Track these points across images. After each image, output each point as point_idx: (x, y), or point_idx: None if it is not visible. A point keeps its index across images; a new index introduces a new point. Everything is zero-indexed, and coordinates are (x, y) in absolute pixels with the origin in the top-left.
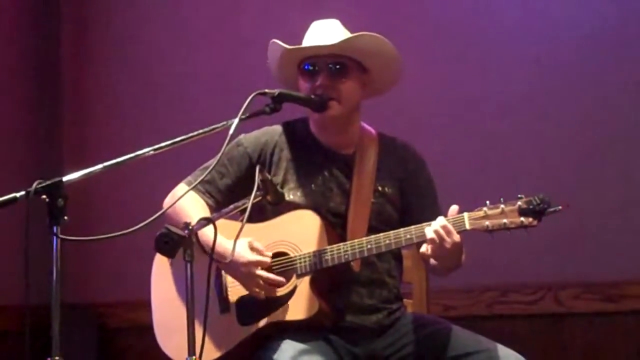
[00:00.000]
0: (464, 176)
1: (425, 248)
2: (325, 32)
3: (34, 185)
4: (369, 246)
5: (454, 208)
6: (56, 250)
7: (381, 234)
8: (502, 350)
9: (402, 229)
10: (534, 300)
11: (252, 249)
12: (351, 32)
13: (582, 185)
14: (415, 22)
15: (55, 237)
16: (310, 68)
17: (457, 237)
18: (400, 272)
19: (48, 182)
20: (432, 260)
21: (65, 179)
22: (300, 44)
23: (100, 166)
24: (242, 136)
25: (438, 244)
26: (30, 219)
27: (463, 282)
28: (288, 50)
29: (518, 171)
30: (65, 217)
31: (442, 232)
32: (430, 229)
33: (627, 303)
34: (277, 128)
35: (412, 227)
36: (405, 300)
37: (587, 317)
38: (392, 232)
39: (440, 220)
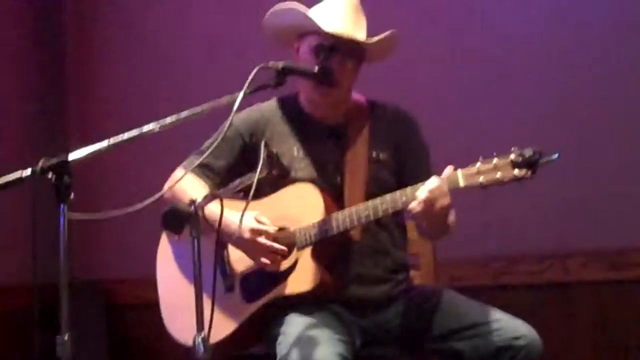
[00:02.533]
0: (460, 140)
1: (415, 205)
2: (346, 15)
3: (40, 163)
4: (366, 213)
5: (450, 168)
6: (63, 228)
7: (378, 199)
8: (511, 320)
9: (397, 192)
10: (540, 269)
11: (258, 221)
12: (364, 11)
13: (585, 153)
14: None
15: (62, 215)
16: (328, 46)
17: (448, 200)
18: (405, 241)
19: (54, 161)
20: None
21: (70, 157)
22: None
23: (105, 143)
24: None
25: (430, 204)
26: (37, 197)
27: (469, 252)
28: (322, 31)
29: (517, 136)
30: (72, 195)
31: (436, 192)
32: (425, 189)
33: (634, 270)
34: (268, 105)
35: (408, 188)
36: (412, 271)
37: (594, 285)
38: (388, 195)
39: (434, 181)
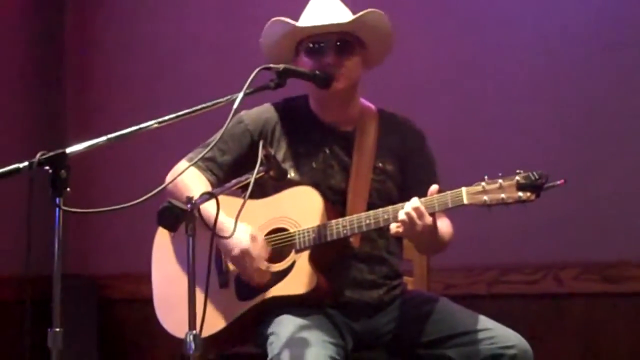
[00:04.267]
0: (465, 153)
1: (395, 226)
2: (327, 10)
3: (37, 156)
4: (367, 221)
5: (434, 188)
6: (58, 221)
7: (380, 210)
8: (502, 329)
9: (400, 204)
10: (534, 280)
11: (253, 237)
12: (349, 8)
13: (582, 166)
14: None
15: (57, 209)
16: (317, 46)
17: (428, 220)
18: (400, 249)
19: (51, 154)
20: None
21: (68, 150)
22: (297, 21)
23: (103, 138)
24: (243, 113)
25: (409, 225)
26: (33, 190)
27: (463, 260)
28: (296, 28)
29: (518, 150)
30: (68, 189)
31: (413, 214)
32: (403, 211)
33: (627, 284)
34: (278, 105)
35: (390, 207)
36: (406, 277)
37: (586, 297)
38: (390, 207)
39: (414, 202)
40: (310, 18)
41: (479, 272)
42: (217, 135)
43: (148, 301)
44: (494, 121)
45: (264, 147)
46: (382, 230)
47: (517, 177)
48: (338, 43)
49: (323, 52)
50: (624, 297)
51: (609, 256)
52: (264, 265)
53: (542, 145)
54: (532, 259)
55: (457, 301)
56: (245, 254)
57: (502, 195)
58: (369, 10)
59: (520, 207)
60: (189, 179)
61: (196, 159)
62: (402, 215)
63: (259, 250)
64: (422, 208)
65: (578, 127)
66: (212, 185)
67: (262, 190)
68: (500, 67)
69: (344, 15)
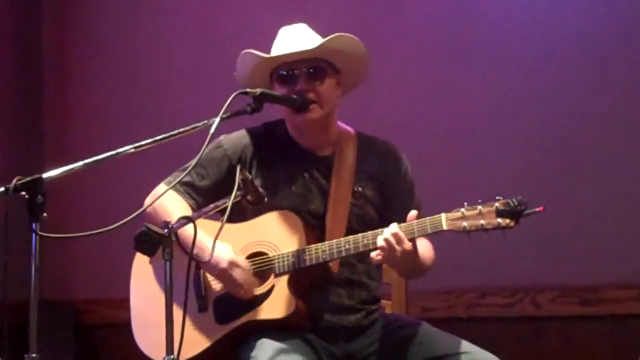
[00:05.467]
0: (444, 177)
1: (375, 254)
2: (297, 38)
3: (14, 181)
4: (346, 246)
5: (413, 214)
6: (35, 247)
7: (359, 235)
8: (480, 352)
9: (379, 230)
10: (511, 303)
11: (235, 260)
12: (320, 34)
13: (560, 189)
14: (398, 22)
15: (34, 234)
16: (289, 73)
17: (407, 245)
18: (380, 273)
19: (27, 179)
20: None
21: (45, 175)
22: (271, 48)
23: (80, 163)
24: (222, 137)
25: (388, 251)
26: (9, 215)
27: (442, 284)
28: (264, 59)
29: (496, 174)
30: (45, 214)
31: (392, 240)
32: (381, 237)
33: (604, 306)
34: (258, 129)
35: (369, 232)
36: (383, 301)
37: (564, 320)
38: (370, 232)
39: (392, 228)
40: (280, 47)
41: (457, 295)
42: (195, 159)
43: (126, 326)
44: (473, 146)
45: (241, 171)
46: (362, 255)
47: (497, 204)
48: (311, 70)
49: (294, 79)
50: (602, 319)
51: (587, 279)
52: (251, 278)
53: (520, 169)
54: (510, 281)
55: (435, 324)
56: (231, 264)
57: (482, 222)
58: (336, 34)
59: (499, 230)
60: (168, 202)
61: (174, 182)
62: (380, 242)
63: (244, 262)
64: (401, 234)
65: (557, 151)
66: (192, 209)
67: (241, 214)
68: (479, 89)
69: (312, 42)
